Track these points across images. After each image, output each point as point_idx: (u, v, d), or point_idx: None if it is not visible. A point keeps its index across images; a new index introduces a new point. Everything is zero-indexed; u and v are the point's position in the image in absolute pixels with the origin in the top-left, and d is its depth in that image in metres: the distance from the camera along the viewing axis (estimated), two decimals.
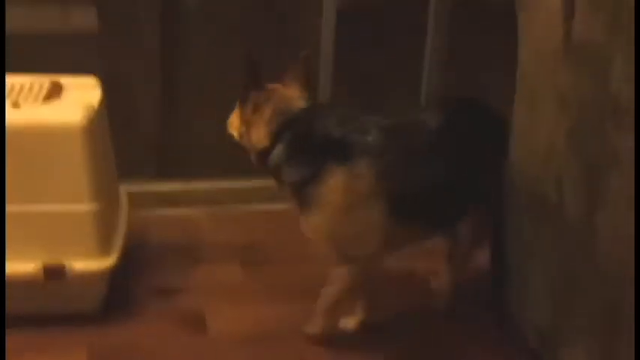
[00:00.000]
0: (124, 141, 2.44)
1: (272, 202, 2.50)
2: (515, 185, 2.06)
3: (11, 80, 2.17)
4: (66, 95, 2.14)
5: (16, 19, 2.70)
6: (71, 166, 2.01)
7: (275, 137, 1.95)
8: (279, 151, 1.95)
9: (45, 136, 2.00)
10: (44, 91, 2.13)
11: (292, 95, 2.00)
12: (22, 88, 2.14)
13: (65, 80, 2.20)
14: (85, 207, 2.05)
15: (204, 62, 2.84)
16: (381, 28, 2.90)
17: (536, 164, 1.95)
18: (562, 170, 1.87)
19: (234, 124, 2.05)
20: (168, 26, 2.81)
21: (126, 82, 2.69)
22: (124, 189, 2.42)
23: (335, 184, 1.89)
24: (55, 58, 2.56)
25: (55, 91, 2.14)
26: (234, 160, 2.84)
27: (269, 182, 2.04)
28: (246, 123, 2.00)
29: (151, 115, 2.91)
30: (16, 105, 2.03)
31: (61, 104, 2.09)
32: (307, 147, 1.93)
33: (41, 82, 2.18)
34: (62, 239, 2.06)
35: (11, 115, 1.99)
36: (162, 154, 2.95)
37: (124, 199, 2.41)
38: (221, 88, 2.70)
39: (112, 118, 2.29)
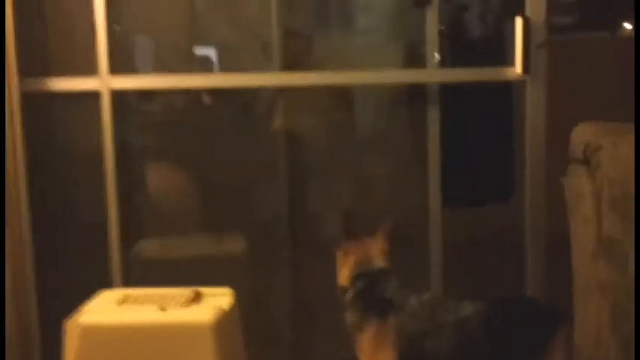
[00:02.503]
0: (259, 343, 2.88)
1: None
2: None
3: (165, 291, 2.72)
4: (204, 302, 2.65)
5: (178, 248, 3.35)
6: (200, 357, 2.47)
7: (352, 282, 2.44)
8: (350, 294, 2.43)
9: (181, 333, 2.50)
10: (187, 299, 2.65)
11: (376, 248, 2.48)
12: (171, 296, 2.67)
13: (205, 290, 2.72)
14: None
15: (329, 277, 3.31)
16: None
17: (590, 347, 2.18)
18: (609, 352, 2.10)
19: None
20: (298, 252, 3.36)
21: (262, 295, 3.21)
22: None
23: (369, 333, 2.35)
24: (207, 276, 3.10)
25: (196, 299, 2.65)
26: None
27: None
28: (339, 263, 2.51)
29: (282, 324, 3.37)
30: (163, 309, 2.56)
31: (198, 308, 2.59)
32: (365, 299, 2.40)
33: (187, 292, 2.70)
34: None
35: (157, 316, 2.53)
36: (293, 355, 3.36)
37: None
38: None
39: (249, 325, 2.77)
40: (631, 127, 2.17)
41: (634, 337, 1.89)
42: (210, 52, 3.44)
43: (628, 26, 3.33)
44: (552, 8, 3.03)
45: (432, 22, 3.14)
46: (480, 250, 3.30)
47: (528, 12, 3.03)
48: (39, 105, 3.14)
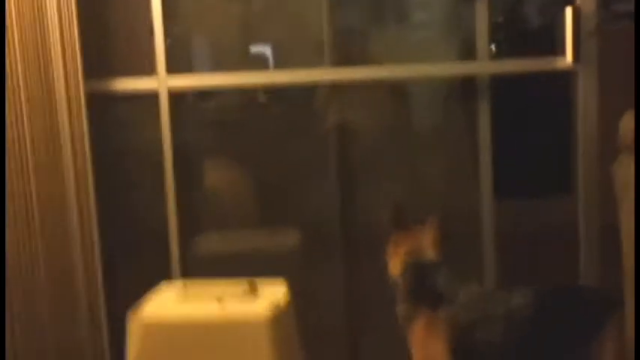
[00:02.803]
0: (314, 337, 2.95)
1: None
2: None
3: (221, 283, 2.79)
4: (259, 294, 2.72)
5: (234, 242, 3.44)
6: (256, 350, 2.54)
7: (403, 273, 2.48)
8: (401, 285, 2.48)
9: (238, 327, 2.58)
10: (244, 290, 2.72)
11: (427, 239, 2.52)
12: (228, 288, 2.75)
13: (261, 282, 2.79)
14: None
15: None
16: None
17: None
18: None
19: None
20: (350, 246, 3.41)
21: (316, 289, 3.30)
22: None
23: (420, 323, 2.39)
24: (262, 268, 3.16)
25: (252, 290, 2.73)
26: None
27: None
28: (389, 253, 2.55)
29: (335, 318, 3.43)
30: (220, 300, 2.64)
31: (254, 300, 2.67)
32: (416, 290, 2.43)
33: (243, 283, 2.78)
34: None
35: (214, 312, 2.62)
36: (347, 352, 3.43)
37: None
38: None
39: (304, 318, 2.84)
40: None
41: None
42: (265, 51, 3.51)
43: None
44: None
45: (482, 14, 3.16)
46: (533, 242, 3.30)
47: (579, 1, 3.03)
48: (101, 105, 3.24)
